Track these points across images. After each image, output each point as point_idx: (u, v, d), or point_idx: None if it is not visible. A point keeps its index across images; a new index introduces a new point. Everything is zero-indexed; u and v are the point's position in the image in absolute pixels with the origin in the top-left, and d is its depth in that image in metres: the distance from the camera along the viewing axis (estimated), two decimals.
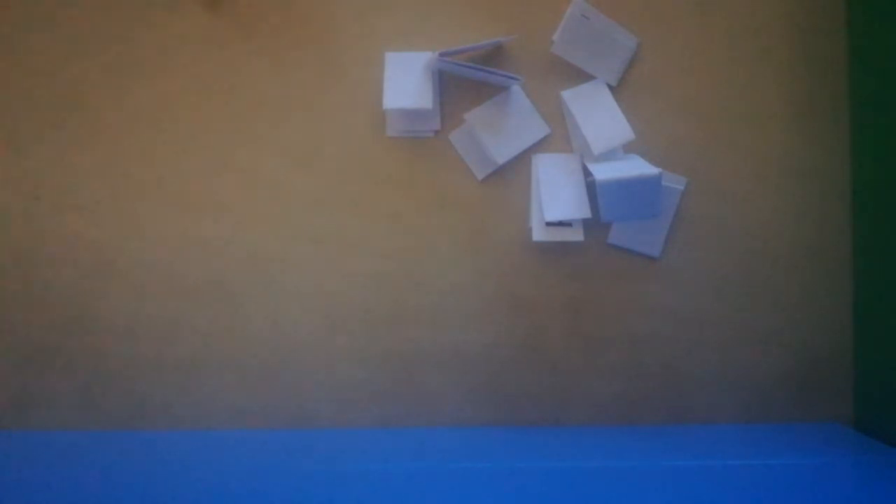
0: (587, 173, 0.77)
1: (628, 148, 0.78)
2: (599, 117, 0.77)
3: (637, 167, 0.73)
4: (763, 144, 0.78)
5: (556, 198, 0.76)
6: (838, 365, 0.78)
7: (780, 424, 0.76)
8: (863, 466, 0.67)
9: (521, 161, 0.79)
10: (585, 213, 0.75)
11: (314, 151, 0.78)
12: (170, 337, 0.78)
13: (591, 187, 0.74)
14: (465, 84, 0.79)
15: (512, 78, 0.76)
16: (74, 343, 0.78)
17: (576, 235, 0.76)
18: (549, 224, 0.75)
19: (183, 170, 0.78)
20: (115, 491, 0.63)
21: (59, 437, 0.75)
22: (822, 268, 0.78)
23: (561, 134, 0.79)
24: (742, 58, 0.79)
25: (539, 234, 0.76)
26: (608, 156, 0.76)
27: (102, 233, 0.78)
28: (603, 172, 0.72)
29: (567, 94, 0.78)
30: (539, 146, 0.79)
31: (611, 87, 0.79)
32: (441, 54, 0.76)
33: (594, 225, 0.77)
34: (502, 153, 0.78)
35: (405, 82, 0.77)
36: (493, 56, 0.79)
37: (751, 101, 0.78)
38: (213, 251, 0.78)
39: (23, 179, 0.78)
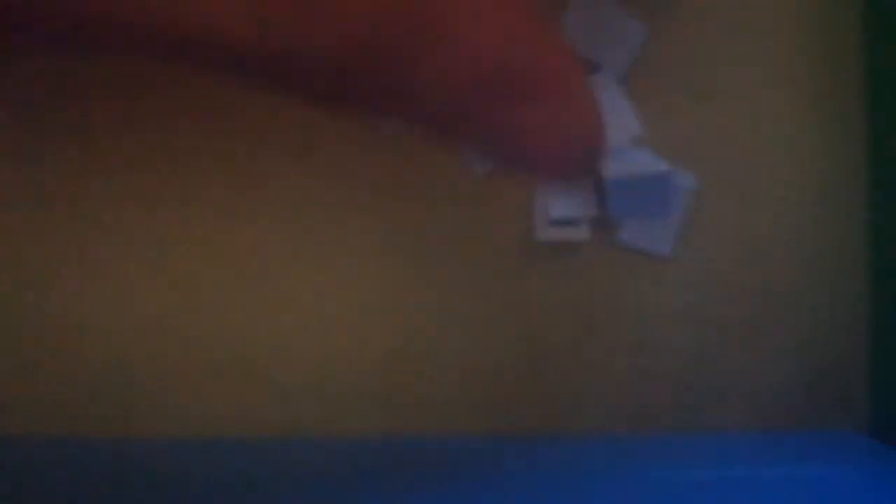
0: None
1: (637, 141, 0.76)
2: (606, 110, 0.76)
3: (647, 163, 0.71)
4: (777, 141, 0.76)
5: (562, 194, 0.74)
6: (853, 372, 0.76)
7: (793, 432, 0.75)
8: (877, 475, 0.66)
9: None
10: (592, 210, 0.73)
11: (309, 149, 0.76)
12: (159, 342, 0.76)
13: (597, 184, 0.73)
14: None
15: None
16: (60, 347, 0.75)
17: (581, 234, 0.74)
18: (554, 222, 0.74)
19: (174, 172, 0.76)
20: (102, 498, 0.61)
21: (42, 441, 0.73)
22: (837, 272, 0.77)
23: None
24: (756, 51, 0.76)
25: (543, 232, 0.74)
26: (616, 150, 0.74)
27: (90, 236, 0.76)
28: (611, 169, 0.71)
29: None
30: None
31: (618, 79, 0.76)
32: None
33: (601, 224, 0.75)
34: None
35: None
36: None
37: (764, 96, 0.76)
38: (203, 253, 0.76)
39: (17, 186, 0.75)
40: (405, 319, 0.76)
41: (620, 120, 0.74)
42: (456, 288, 0.76)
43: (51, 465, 0.69)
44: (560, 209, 0.73)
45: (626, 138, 0.74)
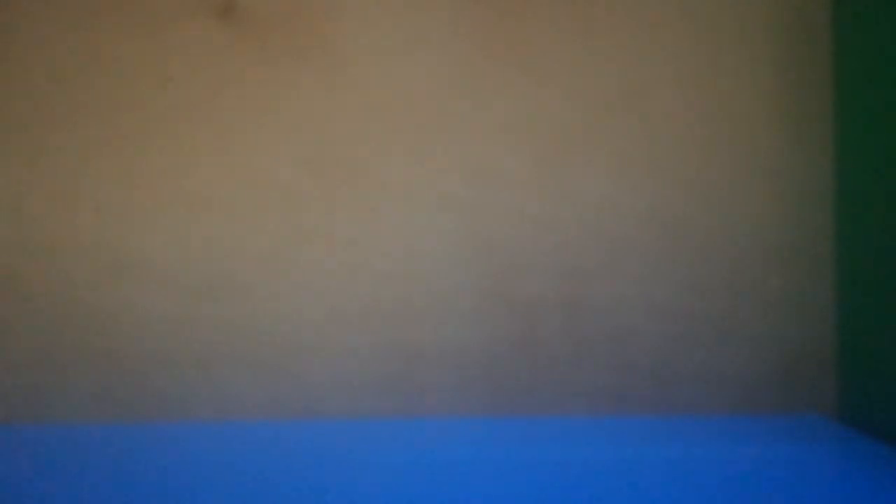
0: None
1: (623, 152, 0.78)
2: None
3: None
4: (746, 145, 0.79)
5: None
6: (822, 360, 0.79)
7: (763, 416, 0.77)
8: (844, 456, 0.67)
9: None
10: None
11: (321, 155, 0.79)
12: (184, 332, 0.79)
13: None
14: None
15: None
16: (91, 338, 0.79)
17: None
18: None
19: (196, 174, 0.80)
20: (131, 480, 0.63)
21: (76, 430, 0.76)
22: (805, 264, 0.79)
23: None
24: (726, 62, 0.79)
25: None
26: None
27: (119, 233, 0.79)
28: None
29: None
30: None
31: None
32: None
33: (587, 227, 0.78)
34: None
35: None
36: None
37: (735, 103, 0.79)
38: (225, 251, 0.80)
39: (41, 182, 0.79)
40: (408, 314, 0.79)
41: None
42: (455, 283, 0.79)
43: (84, 451, 0.71)
44: None
45: None
